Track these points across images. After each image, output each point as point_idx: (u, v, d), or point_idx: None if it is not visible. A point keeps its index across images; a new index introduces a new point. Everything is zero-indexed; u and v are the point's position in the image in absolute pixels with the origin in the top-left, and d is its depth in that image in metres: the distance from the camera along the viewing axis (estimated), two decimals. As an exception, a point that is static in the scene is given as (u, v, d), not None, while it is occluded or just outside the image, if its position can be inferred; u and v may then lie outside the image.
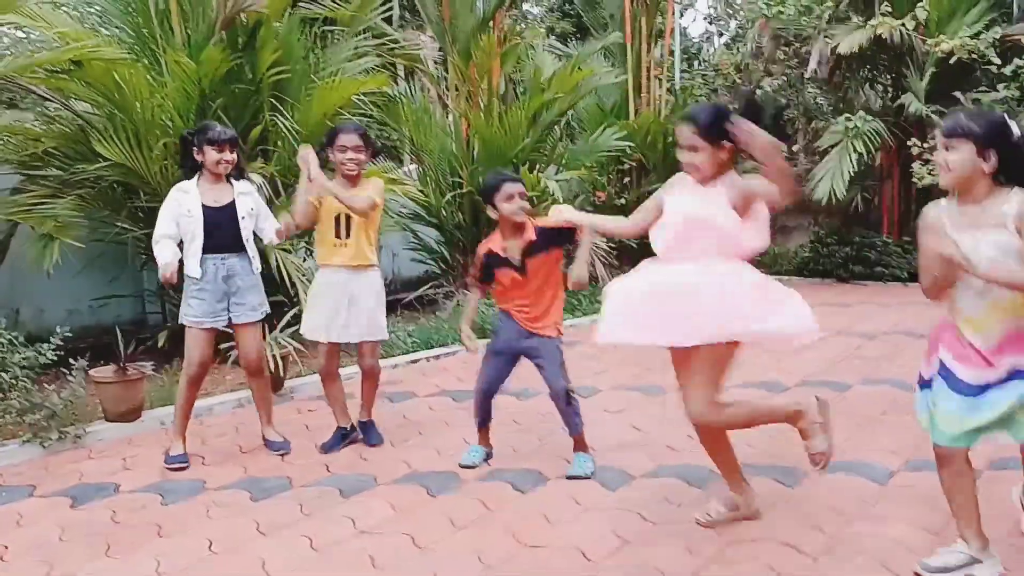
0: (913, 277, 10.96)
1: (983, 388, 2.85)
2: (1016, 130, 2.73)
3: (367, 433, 4.81)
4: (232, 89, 6.37)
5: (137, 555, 3.42)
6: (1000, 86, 9.95)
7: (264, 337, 4.85)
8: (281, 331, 5.97)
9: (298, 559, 3.35)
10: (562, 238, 4.05)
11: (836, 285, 11.28)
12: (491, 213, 4.13)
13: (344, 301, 4.51)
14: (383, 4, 7.46)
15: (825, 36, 10.46)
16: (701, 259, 3.19)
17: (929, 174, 9.66)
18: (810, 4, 10.58)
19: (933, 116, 10.11)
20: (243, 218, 4.54)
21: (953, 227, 2.83)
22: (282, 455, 4.66)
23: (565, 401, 4.17)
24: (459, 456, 4.47)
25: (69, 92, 6.18)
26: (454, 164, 9.06)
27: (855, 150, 10.08)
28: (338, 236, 4.50)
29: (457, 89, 9.04)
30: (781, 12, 10.73)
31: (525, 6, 15.08)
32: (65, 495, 4.14)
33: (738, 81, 13.07)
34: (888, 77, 11.56)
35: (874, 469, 4.13)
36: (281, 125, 6.36)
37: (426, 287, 9.31)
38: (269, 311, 4.76)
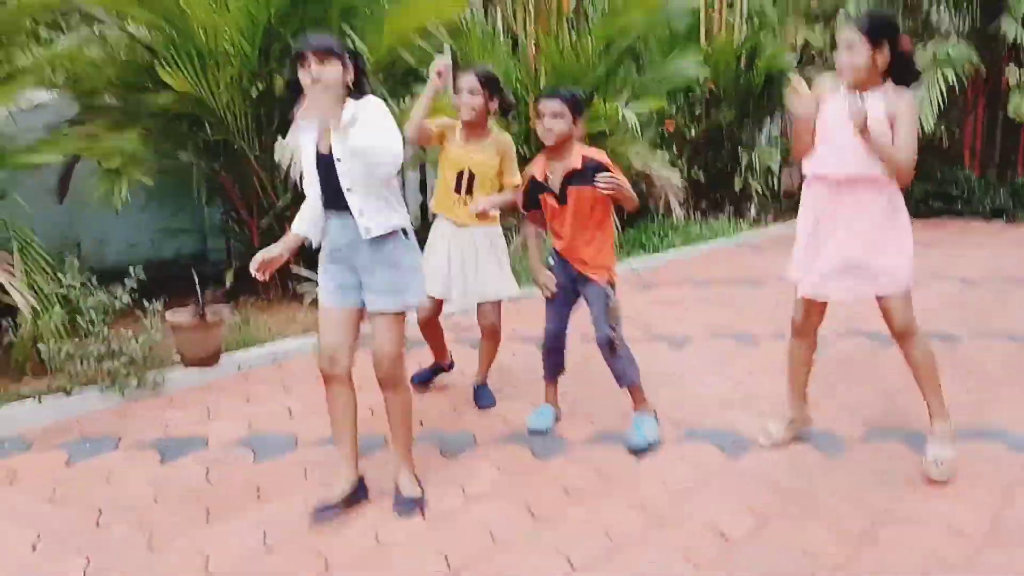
0: (997, 213, 10.47)
1: None
2: None
3: (479, 395, 4.52)
4: (300, 12, 5.99)
5: (239, 521, 3.23)
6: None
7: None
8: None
9: (411, 530, 3.15)
10: (603, 168, 3.65)
11: (916, 221, 10.72)
12: None
13: (459, 258, 4.21)
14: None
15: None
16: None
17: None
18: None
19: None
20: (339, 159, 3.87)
21: None
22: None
23: (609, 351, 3.85)
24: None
25: (130, 16, 5.85)
26: (520, 92, 8.63)
27: (945, 80, 9.48)
28: (457, 191, 4.15)
29: (525, 11, 8.55)
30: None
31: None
32: (152, 448, 3.97)
33: (812, 4, 12.35)
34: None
35: (1015, 438, 3.83)
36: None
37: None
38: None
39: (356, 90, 3.02)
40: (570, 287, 3.91)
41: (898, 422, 4.04)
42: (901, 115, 3.22)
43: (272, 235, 6.44)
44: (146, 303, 4.88)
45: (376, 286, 3.11)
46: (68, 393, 4.44)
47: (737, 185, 10.69)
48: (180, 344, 4.93)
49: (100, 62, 5.98)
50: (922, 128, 9.63)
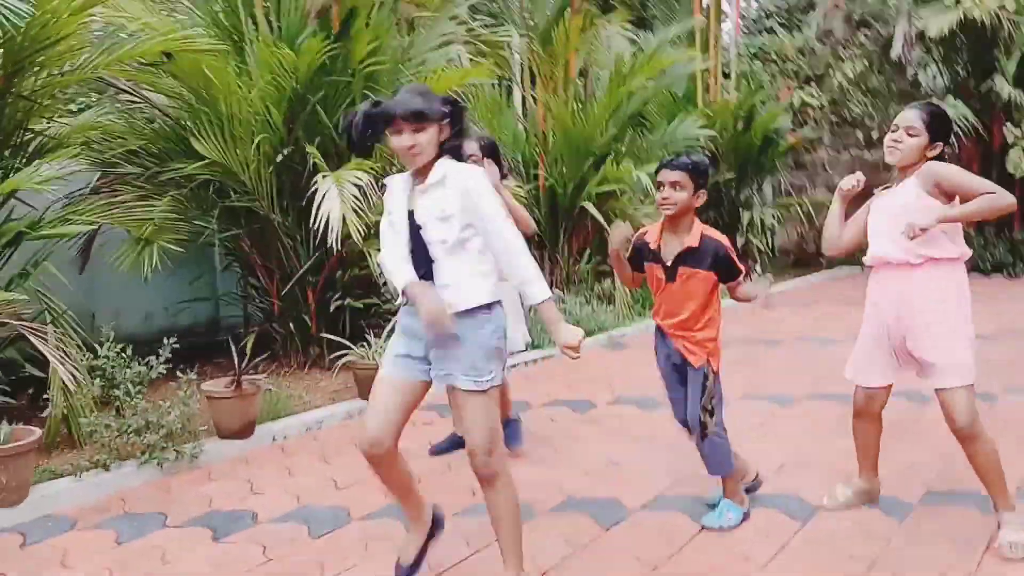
0: (997, 269, 10.64)
1: None
2: None
3: (511, 430, 4.43)
4: (324, 81, 6.05)
5: (310, 601, 3.14)
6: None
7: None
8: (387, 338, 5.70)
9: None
10: (728, 272, 3.56)
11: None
12: None
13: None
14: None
15: (911, 19, 10.06)
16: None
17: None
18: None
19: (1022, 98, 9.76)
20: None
21: None
22: None
23: (700, 434, 3.66)
24: (607, 476, 4.20)
25: (157, 87, 5.88)
26: (529, 156, 8.75)
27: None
28: None
29: (533, 78, 8.70)
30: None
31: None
32: (202, 524, 3.86)
33: (803, 66, 12.67)
34: (962, 60, 11.16)
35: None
36: (378, 119, 6.02)
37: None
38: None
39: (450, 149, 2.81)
40: (666, 366, 3.74)
41: (955, 485, 4.02)
42: (939, 175, 3.26)
43: (294, 299, 6.43)
44: (179, 373, 4.81)
45: (457, 361, 2.80)
46: (107, 469, 4.33)
47: (739, 243, 10.80)
48: (216, 415, 4.84)
49: (124, 132, 5.99)
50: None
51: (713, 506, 3.77)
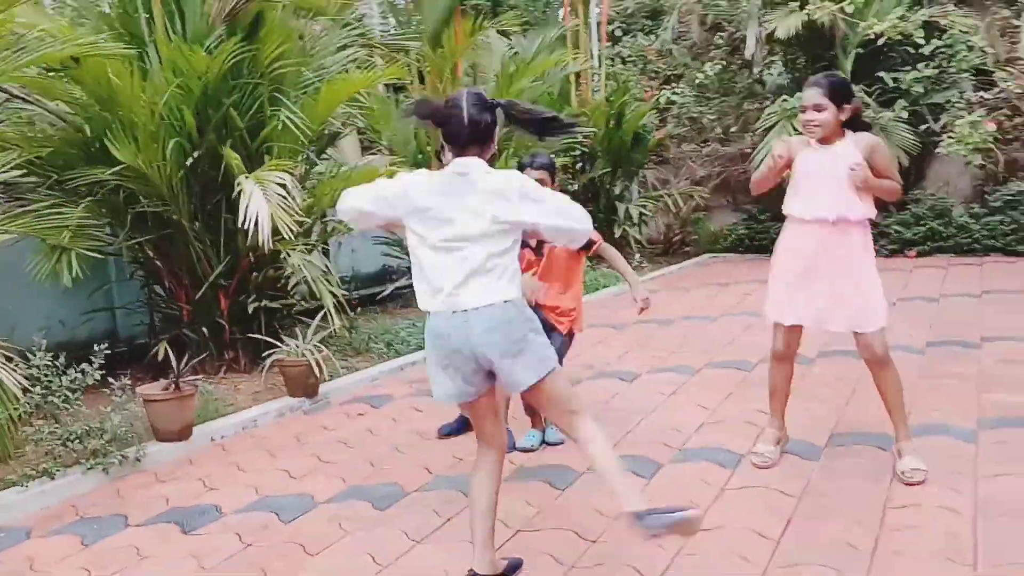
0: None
1: None
2: None
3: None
4: (232, 85, 6.05)
5: (307, 574, 3.28)
6: (920, 65, 10.66)
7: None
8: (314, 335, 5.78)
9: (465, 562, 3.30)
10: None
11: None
12: None
13: None
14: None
15: (760, 21, 10.88)
16: None
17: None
18: (745, -10, 11.01)
19: (861, 92, 10.73)
20: None
21: None
22: None
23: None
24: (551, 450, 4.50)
25: (52, 93, 5.72)
26: (423, 159, 8.92)
27: (793, 129, 10.57)
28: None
29: (422, 79, 8.90)
30: (717, 0, 11.09)
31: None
32: (167, 521, 3.89)
33: (662, 67, 13.43)
34: (805, 59, 12.12)
35: (958, 431, 4.43)
36: (288, 121, 6.09)
37: (401, 281, 9.18)
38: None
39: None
40: None
41: (854, 429, 4.55)
42: (877, 149, 3.78)
43: (207, 304, 6.37)
44: (111, 380, 4.75)
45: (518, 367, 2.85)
46: (52, 477, 4.25)
47: (616, 234, 11.36)
48: (154, 418, 4.81)
49: (18, 140, 5.78)
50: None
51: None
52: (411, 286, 9.11)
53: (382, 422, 5.28)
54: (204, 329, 6.42)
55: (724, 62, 11.85)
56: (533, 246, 4.20)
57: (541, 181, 3.94)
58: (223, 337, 6.45)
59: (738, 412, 4.98)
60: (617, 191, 11.78)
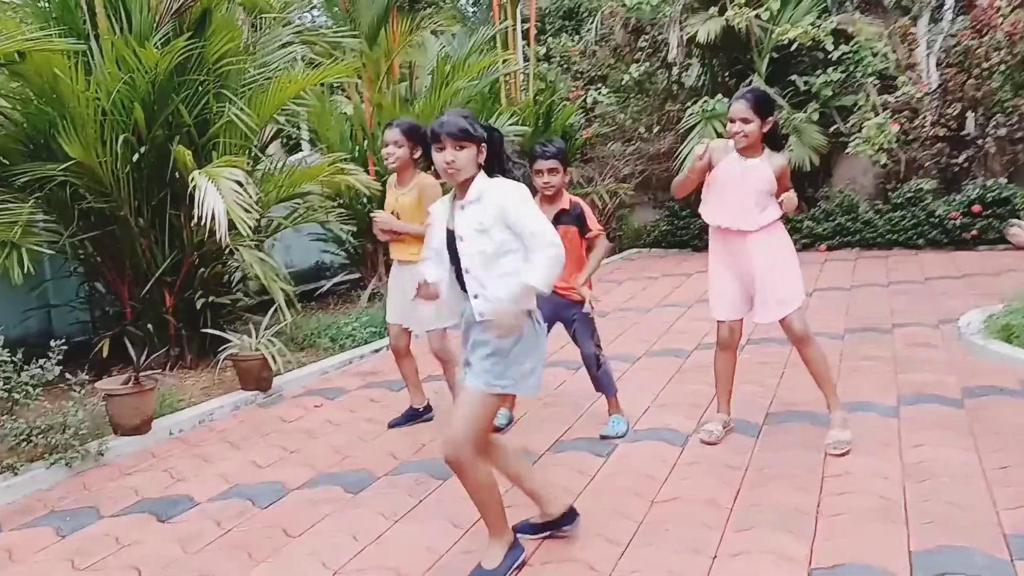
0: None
1: None
2: None
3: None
4: (176, 81, 6.05)
5: (289, 557, 3.40)
6: (829, 69, 11.26)
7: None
8: (266, 330, 5.85)
9: (444, 538, 3.48)
10: (584, 226, 4.38)
11: (693, 254, 12.26)
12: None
13: (403, 290, 4.61)
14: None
15: (681, 25, 11.31)
16: None
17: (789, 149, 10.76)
18: (666, -4, 11.43)
19: (775, 95, 11.27)
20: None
21: None
22: None
23: (595, 366, 4.55)
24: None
25: (4, 90, 5.63)
26: (359, 155, 9.01)
27: (715, 130, 11.04)
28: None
29: (359, 78, 8.97)
30: (640, 4, 11.46)
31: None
32: (141, 511, 3.95)
33: (586, 68, 13.77)
34: (722, 62, 12.63)
35: (882, 408, 4.83)
36: (235, 118, 6.12)
37: (340, 276, 9.26)
38: None
39: (487, 168, 2.99)
40: (549, 313, 4.40)
41: (787, 407, 4.91)
42: (785, 171, 4.17)
43: (152, 300, 6.35)
44: (68, 376, 4.74)
45: (476, 366, 3.01)
46: (15, 472, 4.24)
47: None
48: (115, 412, 4.82)
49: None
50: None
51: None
52: (349, 282, 9.32)
53: (340, 413, 5.39)
54: (149, 326, 6.39)
55: (648, 63, 12.24)
56: None
57: (553, 171, 4.19)
58: (168, 333, 6.44)
59: (680, 395, 5.29)
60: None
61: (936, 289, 8.38)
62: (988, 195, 10.99)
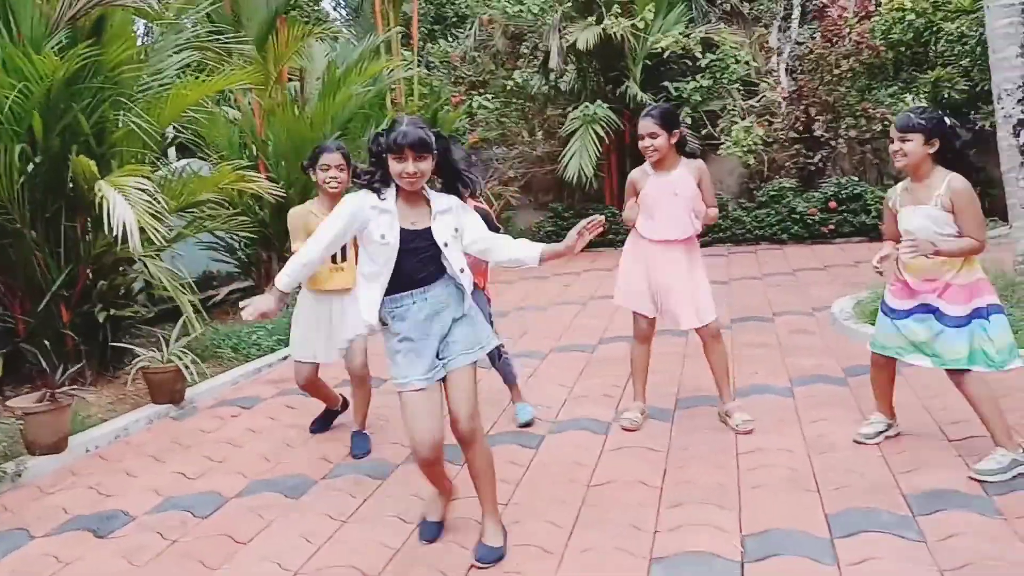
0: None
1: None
2: (948, 121, 3.78)
3: (356, 443, 4.68)
4: (75, 89, 5.83)
5: (243, 562, 3.42)
6: (699, 76, 11.89)
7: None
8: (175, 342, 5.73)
9: (396, 534, 3.59)
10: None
11: (579, 254, 12.60)
12: None
13: (330, 323, 4.58)
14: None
15: (561, 33, 11.66)
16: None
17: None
18: (544, 5, 11.73)
19: (650, 100, 11.81)
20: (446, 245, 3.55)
21: (900, 204, 3.90)
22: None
23: (497, 357, 4.69)
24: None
25: None
26: (246, 156, 8.86)
27: (595, 133, 11.46)
28: (334, 260, 4.49)
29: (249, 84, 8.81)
30: (520, 12, 11.74)
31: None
32: (76, 529, 3.85)
33: (467, 73, 13.95)
34: (596, 68, 13.08)
35: (777, 388, 5.23)
36: (135, 126, 5.96)
37: (232, 286, 9.07)
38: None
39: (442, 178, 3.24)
40: None
41: (694, 394, 5.25)
42: (704, 174, 4.48)
43: (48, 317, 6.09)
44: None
45: (459, 342, 3.23)
46: (-70, 498, 4.04)
47: (436, 233, 11.72)
48: (30, 431, 4.63)
49: None
50: (582, 175, 11.52)
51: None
52: (244, 291, 9.14)
53: (260, 421, 5.36)
54: (45, 341, 6.12)
55: (529, 69, 12.54)
56: None
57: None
58: (66, 348, 6.19)
59: (593, 388, 5.54)
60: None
61: (804, 280, 9.03)
62: (842, 192, 11.88)
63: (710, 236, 12.35)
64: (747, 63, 12.16)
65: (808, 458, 4.09)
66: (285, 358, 6.89)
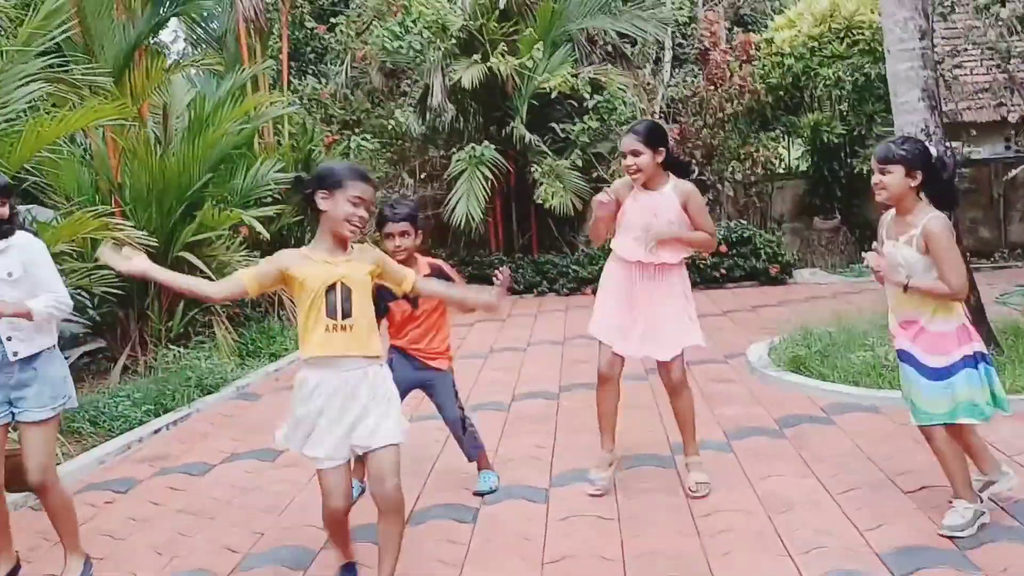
0: (528, 289, 12.63)
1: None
2: (934, 151, 3.77)
3: None
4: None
5: None
6: (585, 117, 12.09)
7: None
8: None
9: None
10: (446, 276, 4.33)
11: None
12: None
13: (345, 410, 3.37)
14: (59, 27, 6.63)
15: (444, 72, 11.64)
16: None
17: (552, 196, 11.36)
18: (428, 42, 11.68)
19: (537, 142, 11.93)
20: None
21: (887, 235, 3.89)
22: None
23: (461, 428, 4.57)
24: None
25: None
26: (98, 201, 8.25)
27: (483, 176, 11.43)
28: (332, 316, 3.30)
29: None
30: (400, 48, 11.65)
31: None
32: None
33: (339, 112, 13.68)
34: (482, 107, 13.10)
35: (715, 443, 5.20)
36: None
37: (82, 349, 8.36)
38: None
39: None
40: (410, 380, 4.34)
41: (646, 450, 5.13)
42: (691, 197, 4.35)
43: None
44: None
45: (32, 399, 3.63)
46: None
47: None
48: None
49: None
50: (470, 220, 11.44)
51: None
52: (94, 353, 8.47)
53: (142, 508, 4.85)
54: None
55: (409, 108, 12.43)
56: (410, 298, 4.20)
57: (405, 233, 4.06)
58: None
59: (518, 449, 5.36)
60: (308, 240, 11.75)
61: (708, 326, 9.11)
62: (732, 235, 12.28)
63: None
64: (633, 104, 12.49)
65: (769, 519, 4.06)
66: (157, 431, 6.36)
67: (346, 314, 3.27)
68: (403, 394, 4.32)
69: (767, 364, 6.86)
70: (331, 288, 3.25)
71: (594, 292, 12.07)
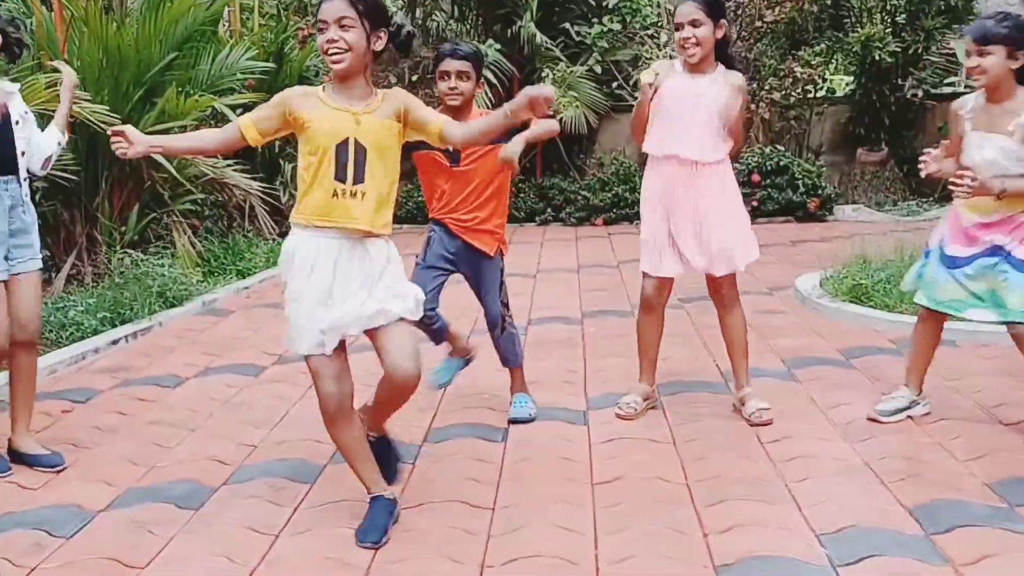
0: (529, 217, 12.47)
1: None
2: None
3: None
4: None
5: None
6: (605, 18, 11.84)
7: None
8: None
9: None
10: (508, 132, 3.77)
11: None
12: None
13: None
14: None
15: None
16: None
17: (564, 109, 11.15)
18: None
19: (548, 45, 11.69)
20: (17, 123, 3.89)
21: (974, 123, 3.81)
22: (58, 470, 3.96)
23: (500, 328, 4.36)
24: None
25: None
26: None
27: (486, 80, 11.17)
28: (341, 178, 3.11)
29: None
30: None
31: None
32: None
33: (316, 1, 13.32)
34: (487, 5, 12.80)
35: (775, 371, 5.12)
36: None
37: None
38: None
39: None
40: (449, 261, 4.17)
41: (695, 376, 5.05)
42: (742, 92, 4.13)
43: None
44: None
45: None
46: None
47: (283, 199, 11.09)
48: None
49: None
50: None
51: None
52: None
53: (107, 418, 4.69)
54: None
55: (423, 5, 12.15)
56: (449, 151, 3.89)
57: (464, 74, 3.85)
58: None
59: (544, 373, 5.17)
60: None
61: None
62: (766, 163, 12.09)
63: (615, 212, 12.26)
64: (659, 4, 12.23)
65: (850, 447, 3.97)
66: (115, 342, 6.18)
67: (358, 179, 3.08)
68: (439, 278, 4.19)
69: (822, 295, 6.76)
70: (342, 144, 3.06)
71: (606, 223, 12.20)
